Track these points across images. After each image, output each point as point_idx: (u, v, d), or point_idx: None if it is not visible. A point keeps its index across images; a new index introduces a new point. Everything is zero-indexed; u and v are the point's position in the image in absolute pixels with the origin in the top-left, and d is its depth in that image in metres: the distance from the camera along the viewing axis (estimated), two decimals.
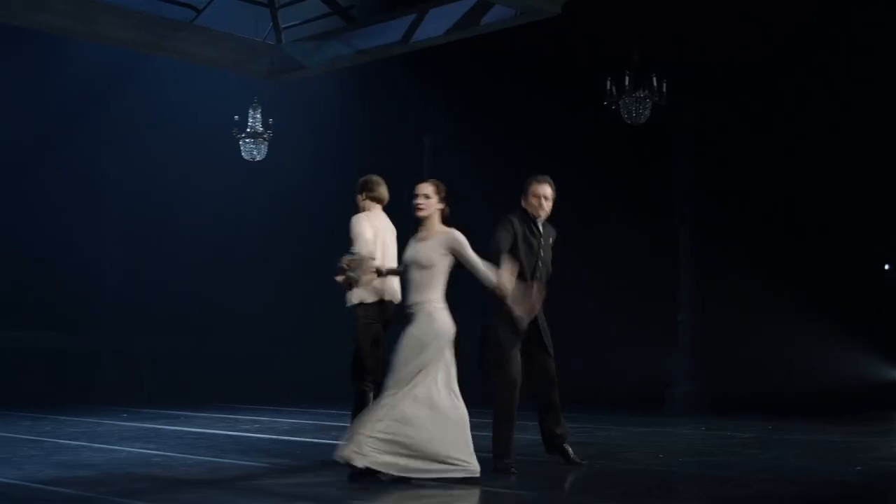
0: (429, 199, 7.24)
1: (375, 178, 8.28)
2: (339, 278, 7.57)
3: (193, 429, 11.08)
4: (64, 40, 15.15)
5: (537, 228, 7.86)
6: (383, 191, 8.24)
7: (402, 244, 7.74)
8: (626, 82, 12.64)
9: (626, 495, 6.67)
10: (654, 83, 12.60)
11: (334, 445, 8.73)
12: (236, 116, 14.54)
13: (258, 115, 14.49)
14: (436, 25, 13.77)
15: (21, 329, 17.33)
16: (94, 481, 7.23)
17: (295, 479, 7.58)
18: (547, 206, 7.89)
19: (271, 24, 15.12)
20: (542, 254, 7.79)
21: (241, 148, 14.67)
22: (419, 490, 6.73)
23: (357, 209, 8.15)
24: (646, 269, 15.96)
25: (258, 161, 15.09)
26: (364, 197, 8.21)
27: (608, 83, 12.61)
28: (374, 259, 7.68)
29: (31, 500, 6.54)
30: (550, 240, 7.98)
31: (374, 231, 7.93)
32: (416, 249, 7.22)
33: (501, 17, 13.13)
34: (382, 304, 7.97)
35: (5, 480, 7.21)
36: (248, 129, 14.56)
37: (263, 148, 14.67)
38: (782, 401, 14.00)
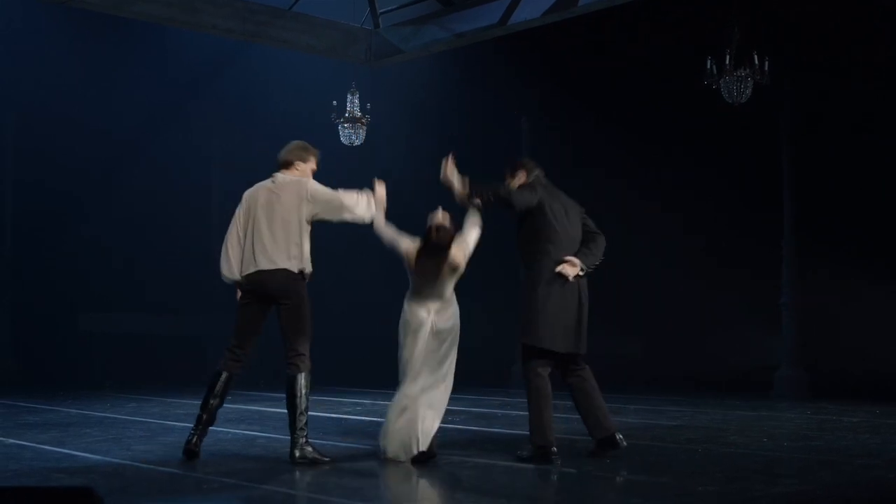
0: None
1: None
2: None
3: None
4: (161, 31, 15.44)
5: None
6: None
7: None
8: (727, 61, 12.42)
9: (729, 479, 6.58)
10: (756, 61, 12.36)
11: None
12: (334, 102, 14.65)
13: (356, 101, 14.56)
14: (533, 7, 13.71)
15: (127, 313, 17.74)
16: (201, 462, 7.35)
17: (397, 462, 7.63)
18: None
19: (368, 9, 15.20)
20: None
21: (340, 133, 14.76)
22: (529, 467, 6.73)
23: None
24: (748, 249, 15.73)
25: (356, 146, 15.18)
26: None
27: (708, 62, 12.40)
28: None
29: (140, 480, 6.68)
30: None
31: None
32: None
33: None
34: None
35: (116, 461, 7.38)
36: (347, 114, 14.64)
37: (362, 133, 14.74)
38: (885, 385, 13.68)
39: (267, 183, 7.44)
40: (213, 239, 19.04)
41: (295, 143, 7.57)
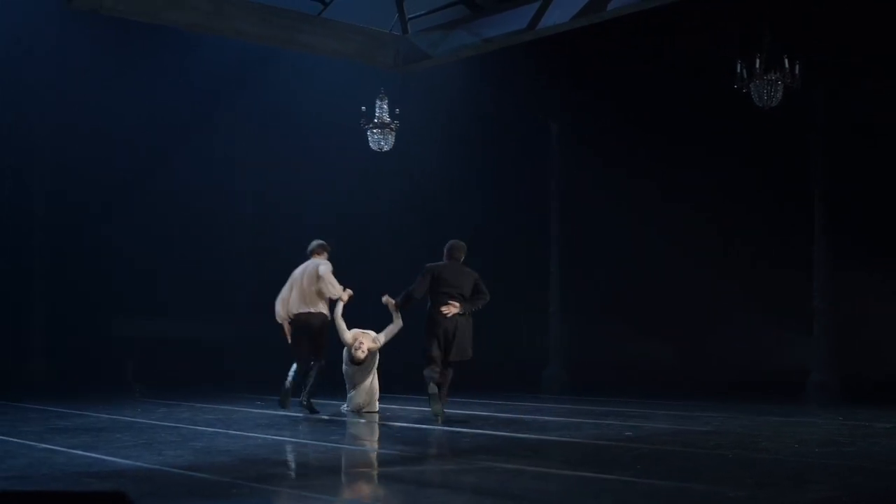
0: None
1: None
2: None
3: (326, 416, 11.23)
4: (189, 38, 15.52)
5: None
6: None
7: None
8: (757, 65, 12.35)
9: (759, 485, 6.54)
10: (787, 65, 12.29)
11: (464, 434, 8.80)
12: (363, 107, 14.68)
13: (385, 106, 14.57)
14: (562, 12, 13.67)
15: (155, 318, 17.83)
16: (231, 467, 7.38)
17: (425, 467, 7.64)
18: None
19: (397, 14, 15.22)
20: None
21: (369, 139, 14.79)
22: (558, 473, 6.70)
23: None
24: (780, 253, 15.64)
25: (386, 151, 15.19)
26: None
27: (738, 66, 12.34)
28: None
29: (171, 484, 6.71)
30: None
31: None
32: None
33: (628, 1, 12.96)
34: None
35: (147, 465, 7.42)
36: (376, 120, 14.66)
37: (391, 138, 14.75)
38: None
39: (303, 264, 11.82)
40: (237, 245, 19.20)
41: (319, 241, 12.03)
